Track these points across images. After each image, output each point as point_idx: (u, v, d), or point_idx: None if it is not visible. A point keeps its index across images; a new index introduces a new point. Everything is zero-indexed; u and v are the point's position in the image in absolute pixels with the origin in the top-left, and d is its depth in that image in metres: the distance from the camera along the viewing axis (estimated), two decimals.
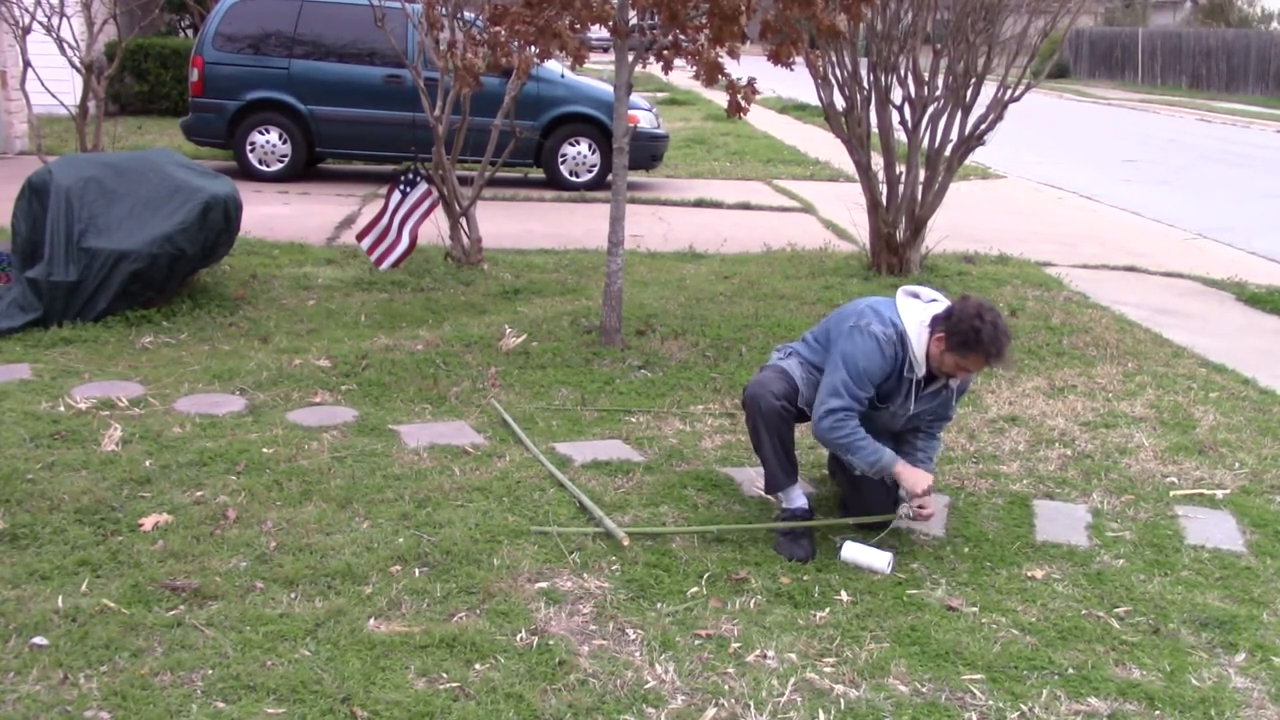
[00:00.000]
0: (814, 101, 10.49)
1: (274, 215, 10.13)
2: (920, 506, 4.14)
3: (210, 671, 3.22)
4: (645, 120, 12.75)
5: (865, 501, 4.27)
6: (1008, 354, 3.94)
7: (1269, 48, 33.55)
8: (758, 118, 20.81)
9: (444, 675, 3.25)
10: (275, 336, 6.48)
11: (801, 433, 4.67)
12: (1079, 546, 4.28)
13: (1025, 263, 9.46)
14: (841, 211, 10.84)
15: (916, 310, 4.08)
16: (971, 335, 3.88)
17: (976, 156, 9.34)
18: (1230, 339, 7.51)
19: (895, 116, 8.33)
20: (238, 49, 12.13)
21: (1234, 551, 4.30)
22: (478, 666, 3.31)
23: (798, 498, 4.29)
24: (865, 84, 8.30)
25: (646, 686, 3.26)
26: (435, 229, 8.29)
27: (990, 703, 3.28)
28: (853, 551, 4.09)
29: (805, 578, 3.95)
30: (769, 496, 4.47)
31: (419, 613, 3.58)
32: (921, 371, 4.07)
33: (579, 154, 12.59)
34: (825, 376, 4.14)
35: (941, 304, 4.11)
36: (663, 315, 7.07)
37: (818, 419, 4.12)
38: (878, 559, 4.05)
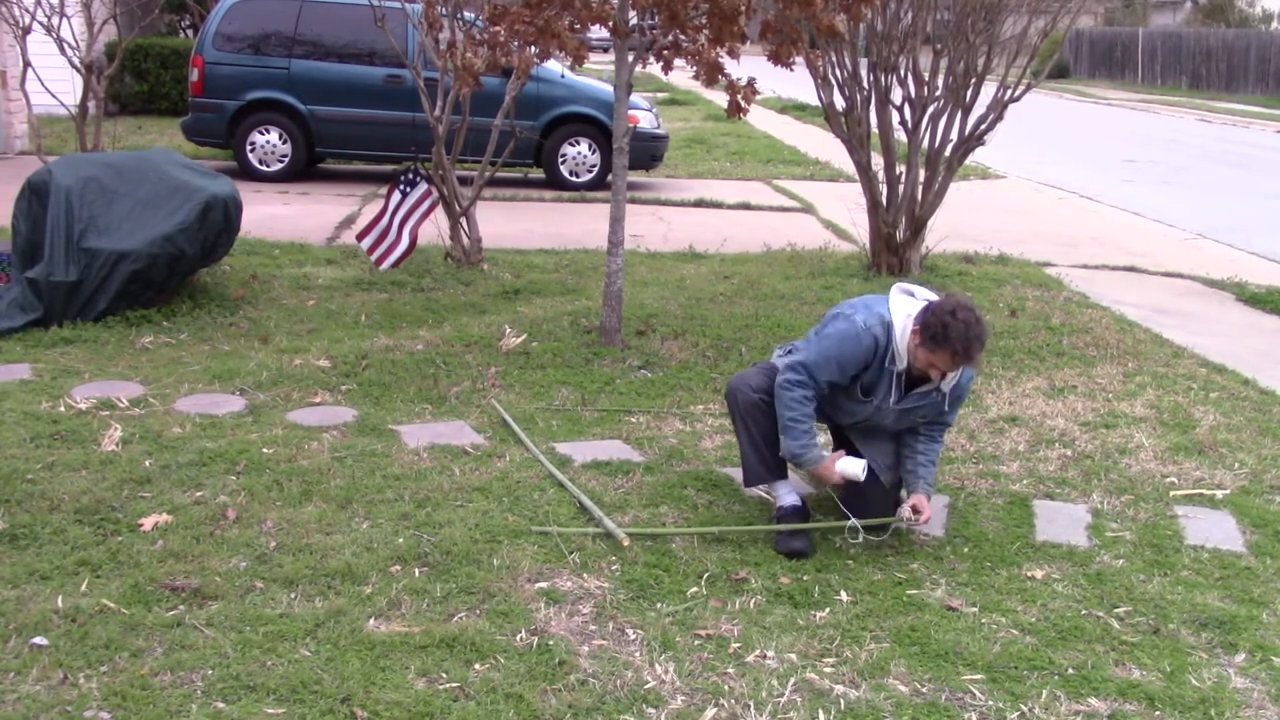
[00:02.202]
0: (814, 101, 10.49)
1: (274, 215, 10.14)
2: (915, 509, 4.16)
3: (210, 671, 3.22)
4: (645, 120, 12.75)
5: (865, 502, 4.27)
6: (976, 354, 3.91)
7: (1269, 48, 33.55)
8: (758, 118, 20.80)
9: (444, 675, 3.25)
10: (275, 336, 6.48)
11: None
12: (1079, 546, 4.28)
13: (1025, 263, 9.46)
14: (841, 211, 10.84)
15: (906, 305, 4.09)
16: (940, 331, 3.87)
17: (976, 156, 9.33)
18: (1230, 339, 7.51)
19: (895, 116, 8.33)
20: (238, 49, 12.13)
21: (1234, 551, 4.30)
22: (478, 666, 3.31)
23: (787, 495, 4.31)
24: (865, 84, 8.30)
25: (646, 686, 3.26)
26: (435, 229, 8.29)
27: (990, 703, 3.28)
28: (841, 465, 4.20)
29: (805, 578, 3.95)
30: (757, 491, 4.49)
31: (419, 613, 3.58)
32: (902, 365, 4.07)
33: (579, 154, 12.59)
34: (800, 347, 4.22)
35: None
36: (663, 315, 7.07)
37: (779, 385, 4.17)
38: (853, 465, 4.16)
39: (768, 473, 4.30)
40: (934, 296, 4.15)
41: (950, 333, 3.85)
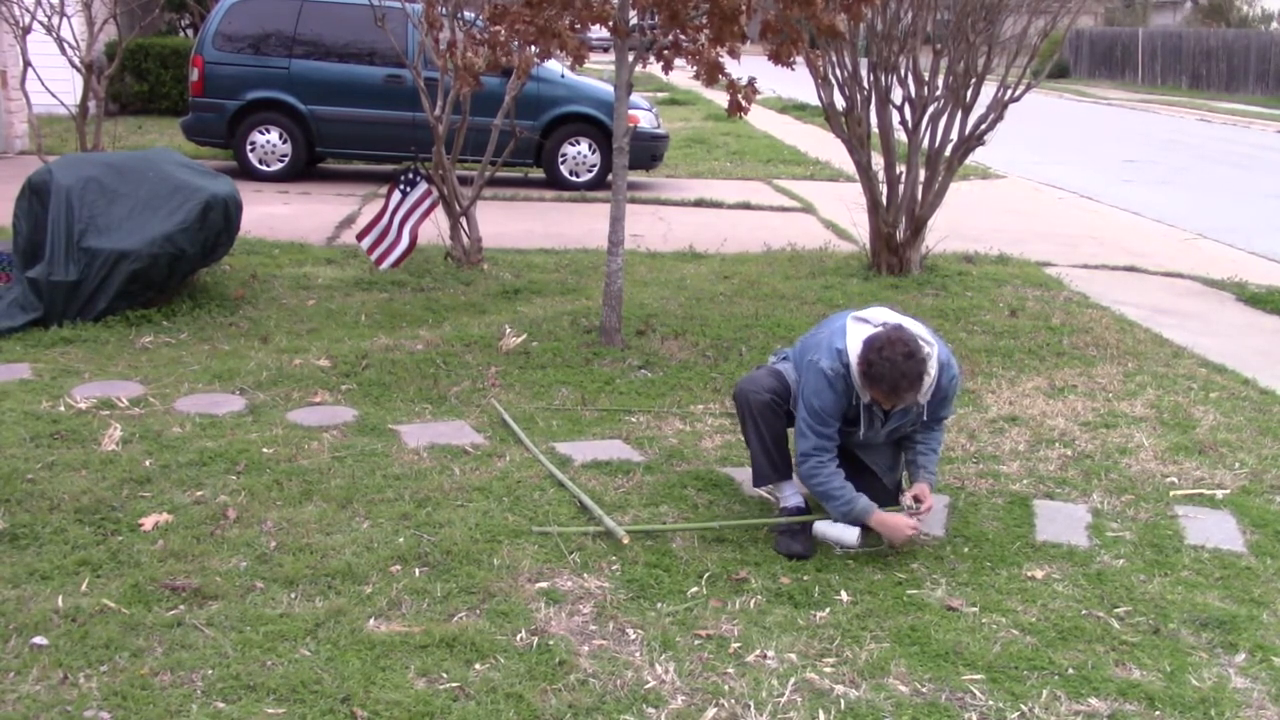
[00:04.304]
0: (814, 101, 10.49)
1: (274, 215, 10.14)
2: (917, 498, 4.16)
3: (210, 671, 3.22)
4: (645, 120, 12.75)
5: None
6: (905, 393, 3.94)
7: (1269, 48, 33.55)
8: (758, 118, 20.80)
9: (444, 675, 3.26)
10: (275, 336, 6.48)
11: None
12: (1079, 546, 4.28)
13: (1025, 263, 9.46)
14: (841, 211, 10.84)
15: (861, 336, 4.08)
16: (867, 369, 3.94)
17: (976, 156, 9.33)
18: (1230, 339, 7.51)
19: (895, 116, 8.33)
20: (238, 49, 12.13)
21: (1234, 551, 4.30)
22: (478, 666, 3.31)
23: (792, 496, 4.31)
24: (865, 84, 8.30)
25: (646, 686, 3.26)
26: (435, 229, 8.29)
27: (990, 703, 3.28)
28: (821, 527, 4.18)
29: (805, 578, 3.95)
30: (759, 491, 4.49)
31: (419, 613, 3.58)
32: (868, 398, 4.08)
33: (579, 154, 12.59)
34: (796, 414, 4.22)
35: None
36: (663, 315, 7.07)
37: (798, 461, 4.19)
38: (847, 533, 4.13)
39: (775, 473, 4.31)
40: (890, 318, 4.15)
41: (873, 371, 3.92)
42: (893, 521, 4.10)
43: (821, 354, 4.11)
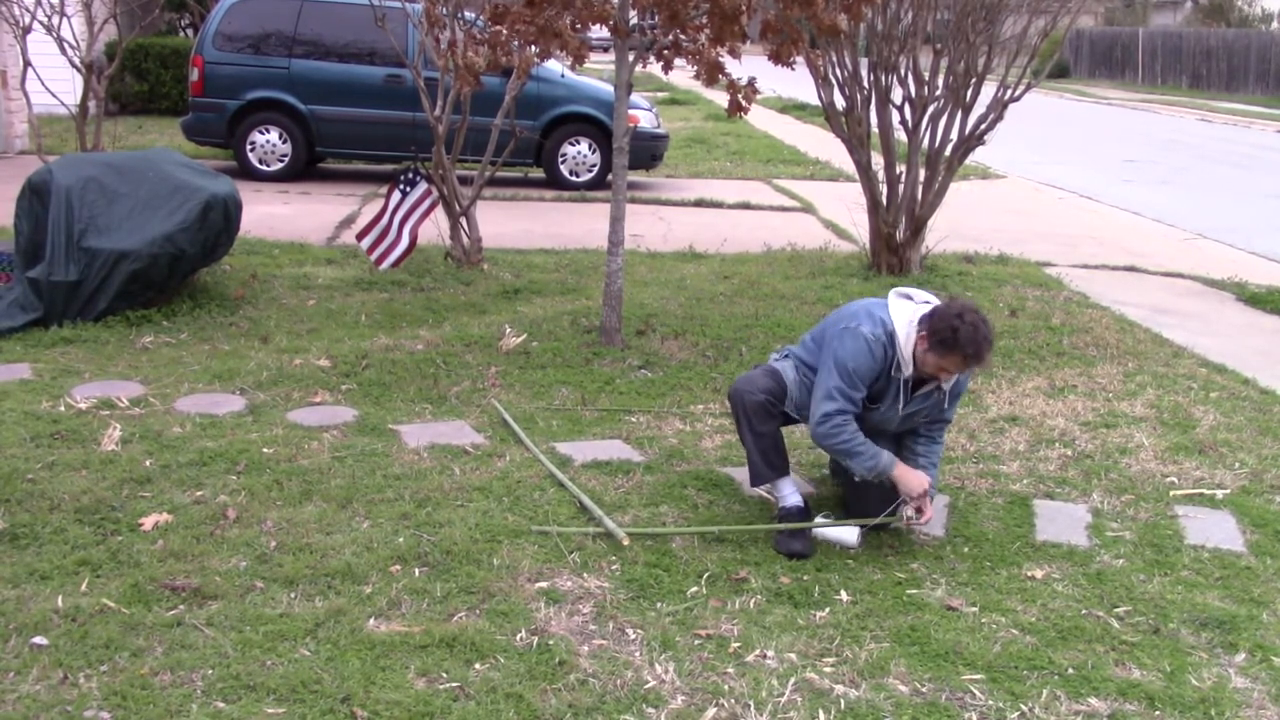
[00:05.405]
0: (814, 101, 10.50)
1: (274, 215, 10.14)
2: (918, 509, 4.16)
3: (210, 671, 3.22)
4: (645, 120, 12.75)
5: (866, 503, 4.28)
6: (986, 356, 3.95)
7: (1269, 48, 33.56)
8: (758, 117, 20.80)
9: (444, 675, 3.26)
10: (275, 336, 6.48)
11: (801, 434, 4.69)
12: (1079, 546, 4.29)
13: (1025, 263, 9.46)
14: (841, 211, 10.84)
15: (906, 310, 4.11)
16: (949, 335, 3.91)
17: (976, 156, 9.33)
18: (1230, 339, 7.51)
19: (895, 116, 8.33)
20: (238, 48, 12.13)
21: (1234, 551, 4.30)
22: (478, 666, 3.31)
23: (790, 495, 4.31)
24: (865, 84, 8.30)
25: (646, 686, 3.26)
26: (435, 229, 8.29)
27: (990, 703, 3.28)
28: (821, 528, 4.20)
29: (805, 578, 3.95)
30: (759, 490, 4.49)
31: (419, 613, 3.58)
32: (909, 371, 4.09)
33: (579, 154, 12.59)
34: (818, 380, 4.19)
35: (932, 305, 4.14)
36: (663, 315, 7.07)
37: (815, 423, 4.15)
38: (847, 534, 4.16)
39: (772, 471, 4.31)
40: (932, 299, 4.16)
41: (960, 336, 3.89)
42: (911, 476, 4.13)
43: (861, 321, 4.11)
